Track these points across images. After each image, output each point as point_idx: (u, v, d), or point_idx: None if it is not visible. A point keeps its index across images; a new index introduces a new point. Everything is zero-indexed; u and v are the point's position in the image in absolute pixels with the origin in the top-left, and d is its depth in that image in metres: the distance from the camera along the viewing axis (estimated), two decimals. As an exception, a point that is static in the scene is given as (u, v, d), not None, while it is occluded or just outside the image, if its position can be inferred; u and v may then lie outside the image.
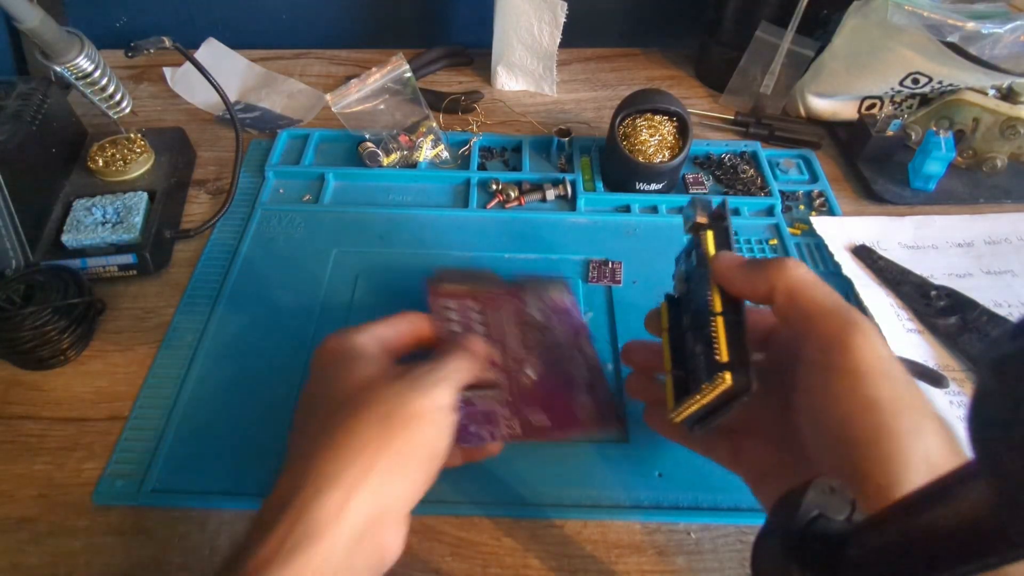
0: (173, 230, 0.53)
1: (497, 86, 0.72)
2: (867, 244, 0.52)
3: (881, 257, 0.51)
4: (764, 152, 0.62)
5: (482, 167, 0.61)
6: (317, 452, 0.28)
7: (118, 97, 0.53)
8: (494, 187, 0.57)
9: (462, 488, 0.39)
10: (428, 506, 0.38)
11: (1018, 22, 0.53)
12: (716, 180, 0.60)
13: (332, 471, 0.27)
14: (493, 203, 0.57)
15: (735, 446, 0.35)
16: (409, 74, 0.61)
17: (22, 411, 0.42)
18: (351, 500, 0.27)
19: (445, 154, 0.61)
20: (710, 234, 0.33)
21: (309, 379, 0.34)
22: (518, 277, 0.44)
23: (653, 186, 0.56)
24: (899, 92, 0.62)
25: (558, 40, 0.67)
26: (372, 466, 0.28)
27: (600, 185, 0.58)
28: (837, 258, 0.51)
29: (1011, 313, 0.48)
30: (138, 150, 0.55)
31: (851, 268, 0.51)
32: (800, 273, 0.29)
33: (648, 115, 0.56)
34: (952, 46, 0.54)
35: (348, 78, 0.66)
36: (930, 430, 0.26)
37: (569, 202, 0.57)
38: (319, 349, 0.34)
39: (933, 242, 0.54)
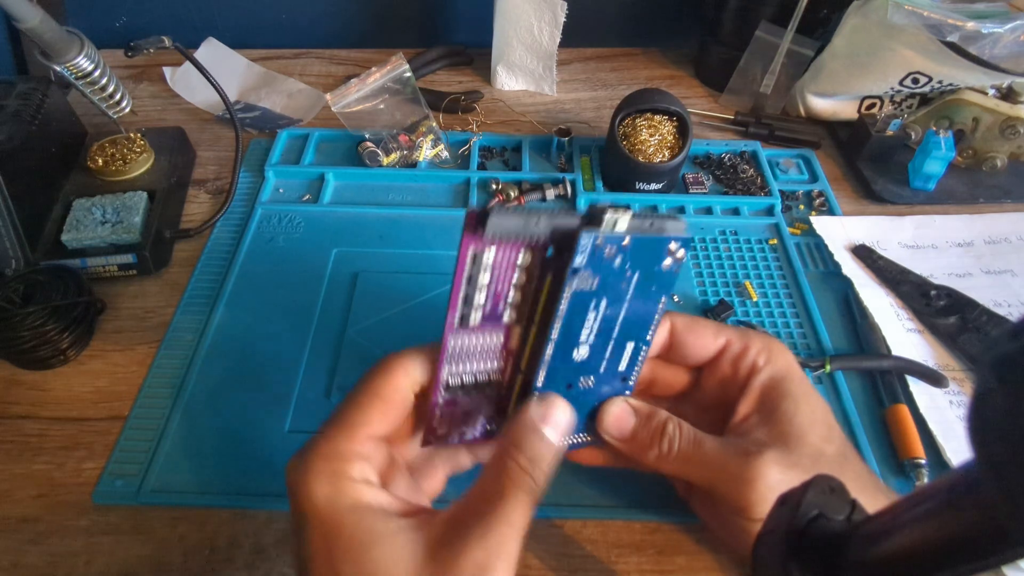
0: (173, 230, 0.53)
1: (497, 86, 0.72)
2: (867, 244, 0.52)
3: (881, 257, 0.51)
4: (764, 152, 0.62)
5: (482, 167, 0.61)
6: None
7: (118, 97, 0.53)
8: (494, 187, 0.57)
9: (462, 488, 0.39)
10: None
11: (1018, 22, 0.53)
12: (716, 180, 0.60)
13: None
14: (493, 203, 0.57)
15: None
16: (409, 74, 0.61)
17: (22, 411, 0.42)
18: None
19: (445, 154, 0.61)
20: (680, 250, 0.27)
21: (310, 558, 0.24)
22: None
23: (653, 186, 0.56)
24: (899, 92, 0.62)
25: (558, 40, 0.67)
26: None
27: (600, 185, 0.58)
28: (837, 258, 0.51)
29: (1011, 313, 0.48)
30: (138, 150, 0.55)
31: (851, 268, 0.51)
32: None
33: (648, 115, 0.56)
34: (952, 46, 0.54)
35: (348, 78, 0.66)
36: None
37: (569, 202, 0.57)
38: (314, 514, 0.24)
39: (933, 242, 0.54)
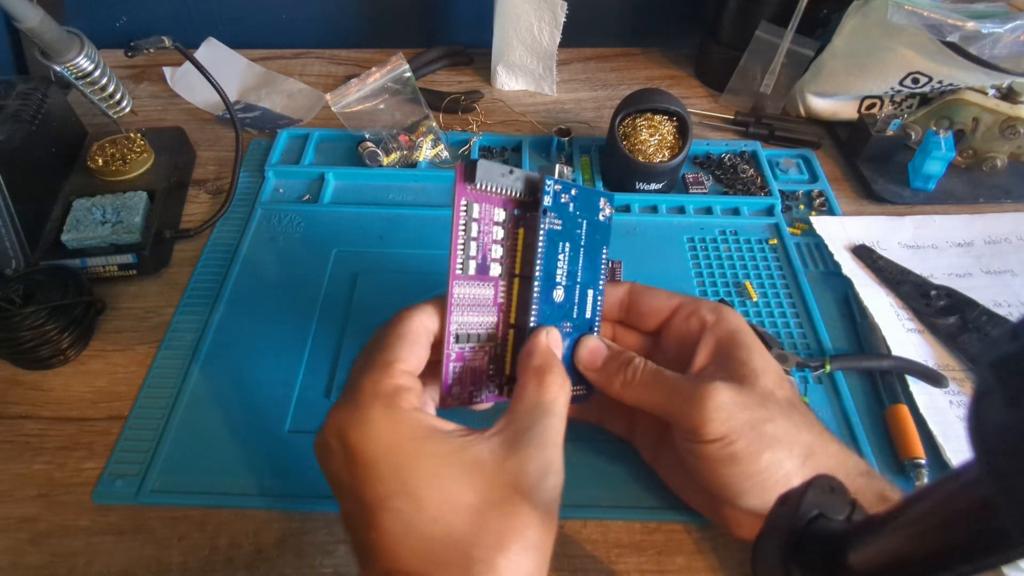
0: (173, 230, 0.53)
1: (497, 86, 0.72)
2: (867, 244, 0.52)
3: (881, 257, 0.51)
4: (764, 152, 0.62)
5: (482, 167, 0.61)
6: None
7: (118, 97, 0.53)
8: (494, 187, 0.57)
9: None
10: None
11: (1018, 22, 0.53)
12: (716, 180, 0.60)
13: None
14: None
15: (630, 418, 0.38)
16: (409, 74, 0.61)
17: (22, 411, 0.42)
18: None
19: (445, 154, 0.61)
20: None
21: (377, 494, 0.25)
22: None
23: (653, 186, 0.56)
24: (899, 92, 0.62)
25: (558, 40, 0.67)
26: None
27: (600, 185, 0.58)
28: (837, 258, 0.51)
29: (1011, 313, 0.48)
30: (138, 150, 0.55)
31: (851, 268, 0.51)
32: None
33: (648, 115, 0.56)
34: (952, 46, 0.54)
35: (348, 78, 0.66)
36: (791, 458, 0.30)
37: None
38: (377, 451, 0.26)
39: (933, 242, 0.54)
